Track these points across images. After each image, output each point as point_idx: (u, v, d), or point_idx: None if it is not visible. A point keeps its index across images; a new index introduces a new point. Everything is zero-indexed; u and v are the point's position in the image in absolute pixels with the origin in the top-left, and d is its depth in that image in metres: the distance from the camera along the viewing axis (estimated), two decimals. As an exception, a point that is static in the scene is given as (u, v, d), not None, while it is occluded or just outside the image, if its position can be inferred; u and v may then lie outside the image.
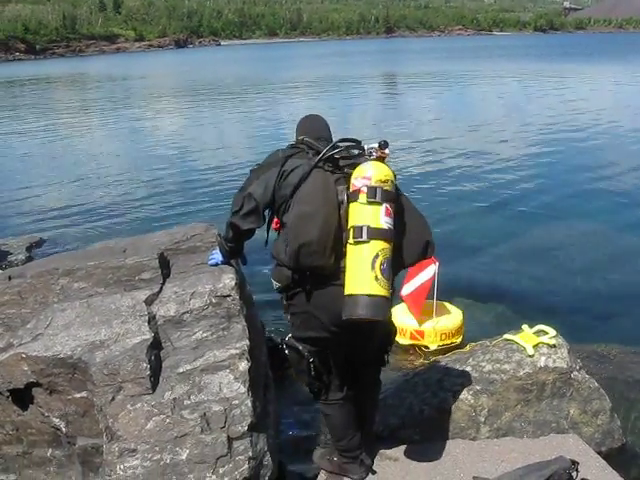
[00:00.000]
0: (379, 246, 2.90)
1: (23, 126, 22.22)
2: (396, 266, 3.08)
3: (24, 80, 48.39)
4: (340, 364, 3.42)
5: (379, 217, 2.92)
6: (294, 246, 2.99)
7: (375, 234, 2.90)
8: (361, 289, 2.89)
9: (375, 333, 3.17)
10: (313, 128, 3.46)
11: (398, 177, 3.22)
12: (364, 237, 2.90)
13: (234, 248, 3.54)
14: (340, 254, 3.00)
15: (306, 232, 2.97)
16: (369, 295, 2.87)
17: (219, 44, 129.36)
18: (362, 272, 2.90)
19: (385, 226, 2.92)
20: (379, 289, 2.87)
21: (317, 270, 3.05)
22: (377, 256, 2.88)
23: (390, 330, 3.49)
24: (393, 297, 3.15)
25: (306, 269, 3.07)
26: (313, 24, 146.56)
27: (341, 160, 3.11)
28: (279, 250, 3.14)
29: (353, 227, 2.94)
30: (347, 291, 2.93)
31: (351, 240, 2.94)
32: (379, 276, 2.87)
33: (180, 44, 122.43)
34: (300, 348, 3.30)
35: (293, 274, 3.13)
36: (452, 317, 5.67)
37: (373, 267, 2.87)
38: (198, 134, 19.03)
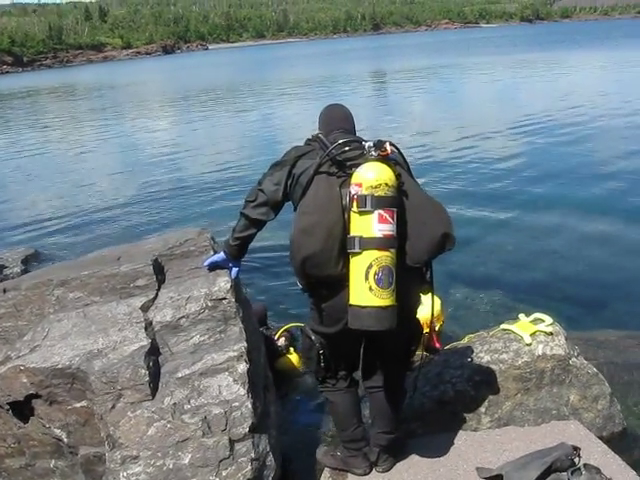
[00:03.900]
0: (372, 256, 2.88)
1: (14, 138, 22.20)
2: (406, 266, 3.04)
3: (13, 93, 48.31)
4: (349, 359, 3.45)
5: (371, 226, 2.89)
6: (298, 259, 2.99)
7: (367, 244, 2.88)
8: (357, 300, 2.91)
9: (389, 336, 3.06)
10: (330, 120, 3.40)
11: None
12: (356, 248, 2.90)
13: (239, 242, 3.45)
14: (348, 260, 2.98)
15: (308, 246, 2.96)
16: (363, 307, 2.88)
17: (207, 48, 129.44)
18: (357, 283, 2.91)
19: (378, 234, 2.89)
20: (374, 300, 2.87)
21: (324, 279, 3.05)
22: (370, 266, 2.87)
23: (412, 331, 3.41)
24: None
25: (313, 279, 3.07)
26: (300, 24, 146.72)
27: (347, 161, 3.06)
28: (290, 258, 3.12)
29: (348, 238, 2.94)
30: (349, 300, 2.95)
31: (349, 250, 2.95)
32: (373, 287, 2.86)
33: (168, 50, 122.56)
34: (313, 338, 3.34)
35: (303, 282, 3.13)
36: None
37: (367, 278, 2.87)
38: (189, 140, 19.02)
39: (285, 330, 5.16)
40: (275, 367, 4.81)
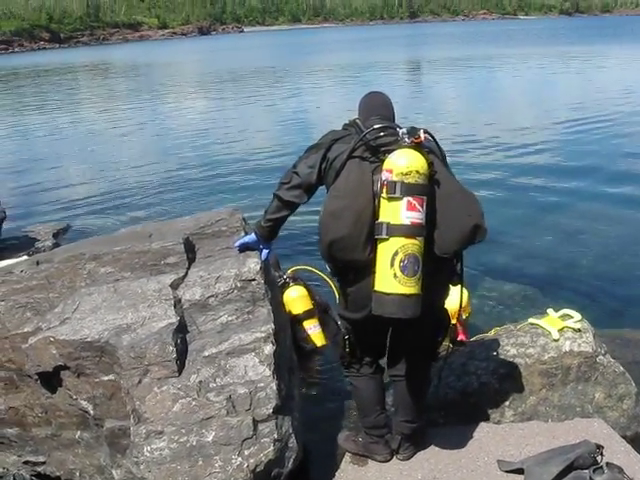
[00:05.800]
0: (399, 243, 2.87)
1: (50, 114, 22.41)
2: (434, 256, 3.03)
3: (51, 69, 48.73)
4: (375, 346, 3.46)
5: (399, 213, 2.88)
6: (325, 242, 3.00)
7: (395, 231, 2.88)
8: (381, 287, 2.91)
9: (415, 325, 3.07)
10: (369, 106, 3.36)
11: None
12: (383, 234, 2.90)
13: (271, 224, 3.46)
14: (376, 246, 2.98)
15: (336, 229, 2.97)
16: (387, 294, 2.88)
17: (242, 31, 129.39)
18: (382, 270, 2.91)
19: (406, 222, 2.88)
20: (398, 287, 2.86)
21: (351, 264, 3.05)
22: (396, 253, 2.86)
23: (439, 322, 3.41)
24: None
25: (340, 263, 3.08)
26: (336, 9, 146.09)
27: (380, 147, 3.05)
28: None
29: (376, 224, 2.94)
30: (374, 286, 2.95)
31: (376, 236, 2.95)
32: (398, 274, 2.86)
33: (203, 31, 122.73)
34: (339, 323, 3.39)
35: (330, 265, 3.15)
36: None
37: (392, 265, 2.87)
38: (225, 121, 19.05)
39: (293, 271, 5.35)
40: (283, 298, 4.94)
